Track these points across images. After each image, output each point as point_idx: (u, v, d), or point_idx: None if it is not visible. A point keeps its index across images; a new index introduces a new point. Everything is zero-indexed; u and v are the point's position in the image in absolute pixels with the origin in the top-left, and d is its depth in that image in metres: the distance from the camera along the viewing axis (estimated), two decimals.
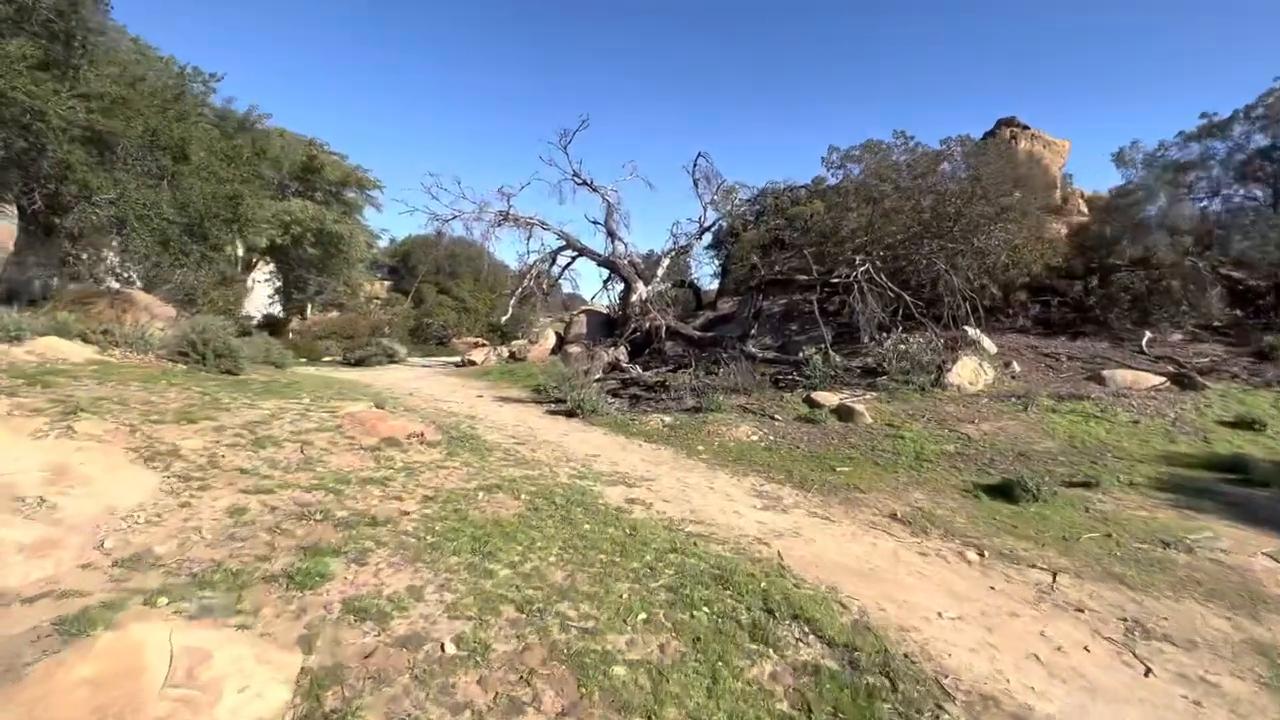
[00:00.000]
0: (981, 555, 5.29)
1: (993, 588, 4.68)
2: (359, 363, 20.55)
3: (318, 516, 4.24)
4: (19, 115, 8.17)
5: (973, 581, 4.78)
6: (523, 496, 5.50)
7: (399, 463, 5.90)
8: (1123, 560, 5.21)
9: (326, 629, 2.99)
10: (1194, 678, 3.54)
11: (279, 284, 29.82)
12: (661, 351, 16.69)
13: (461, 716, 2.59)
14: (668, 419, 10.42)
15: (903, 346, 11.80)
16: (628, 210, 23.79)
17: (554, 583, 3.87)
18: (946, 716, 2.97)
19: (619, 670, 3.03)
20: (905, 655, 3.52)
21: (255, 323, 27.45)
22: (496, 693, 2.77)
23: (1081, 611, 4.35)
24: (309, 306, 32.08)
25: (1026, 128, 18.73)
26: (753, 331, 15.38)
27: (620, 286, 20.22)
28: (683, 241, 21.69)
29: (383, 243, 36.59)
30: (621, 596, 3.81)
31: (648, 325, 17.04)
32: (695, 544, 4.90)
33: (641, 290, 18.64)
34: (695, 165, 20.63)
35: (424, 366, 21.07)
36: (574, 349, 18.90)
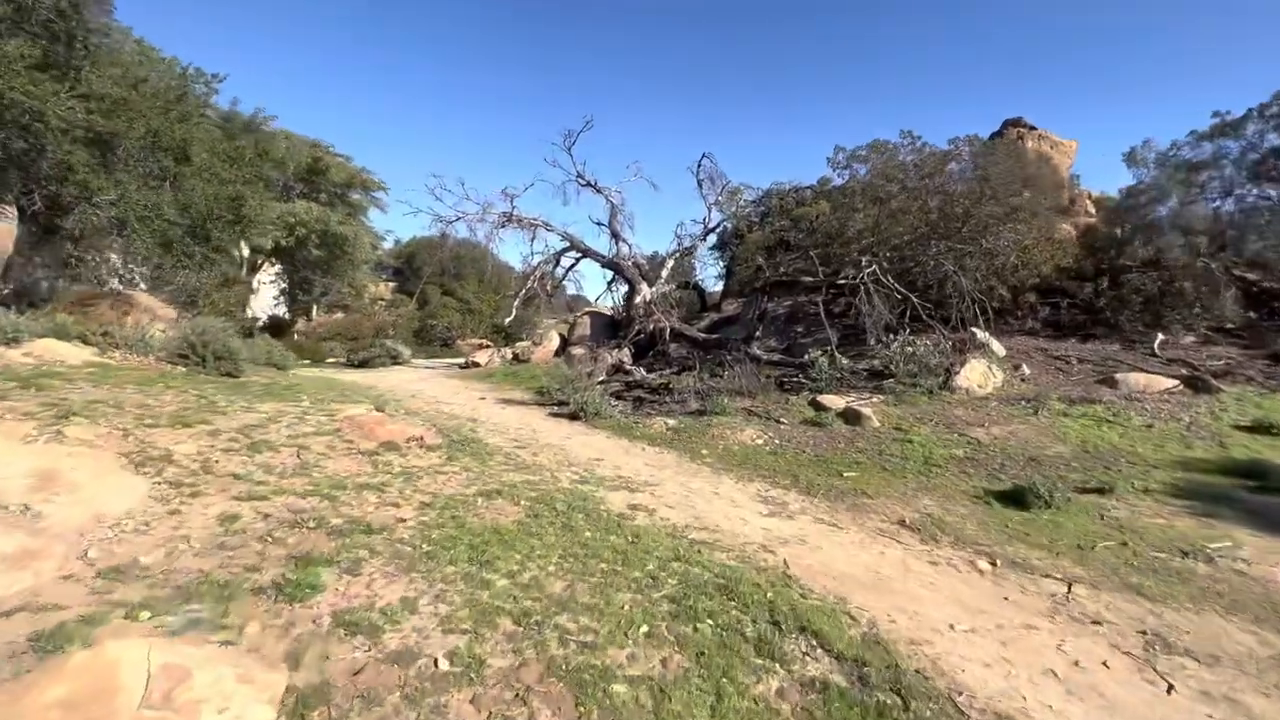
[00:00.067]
0: (994, 564, 5.14)
1: (1006, 599, 4.53)
2: (363, 364, 20.50)
3: (311, 524, 4.13)
4: (18, 116, 8.13)
5: (985, 592, 4.64)
6: (523, 503, 5.38)
7: (397, 468, 5.79)
8: (1140, 570, 5.05)
9: (315, 644, 2.88)
10: (1218, 696, 3.39)
11: (284, 285, 29.89)
12: (665, 353, 16.56)
13: None
14: (671, 422, 10.29)
15: (910, 349, 11.63)
16: (632, 211, 23.82)
17: (553, 594, 3.75)
18: None
19: (619, 688, 2.90)
20: (917, 671, 3.39)
21: (261, 324, 27.50)
22: (490, 712, 2.65)
23: (1099, 624, 4.21)
24: (314, 308, 32.13)
25: (1033, 128, 18.54)
26: (757, 333, 15.23)
27: (624, 288, 20.12)
28: (687, 243, 21.61)
29: (387, 244, 36.69)
30: (623, 608, 3.69)
31: (652, 327, 16.92)
32: (699, 552, 4.78)
33: (645, 292, 18.52)
34: (700, 166, 20.53)
35: (428, 368, 21.00)
36: (578, 351, 18.80)
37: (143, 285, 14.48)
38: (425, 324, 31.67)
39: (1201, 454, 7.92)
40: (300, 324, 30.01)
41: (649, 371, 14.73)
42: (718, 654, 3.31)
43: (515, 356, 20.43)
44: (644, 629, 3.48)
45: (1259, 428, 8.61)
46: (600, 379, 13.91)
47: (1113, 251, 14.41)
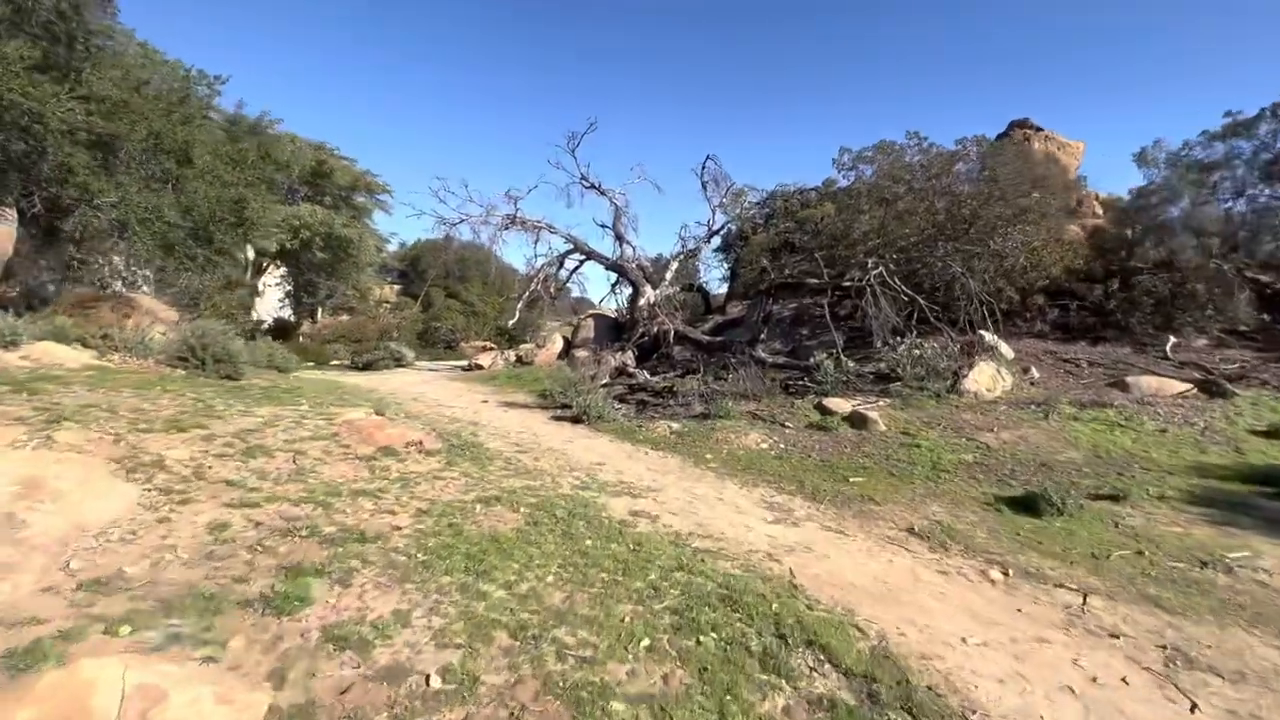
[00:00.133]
0: (1006, 574, 5.00)
1: (1019, 610, 4.39)
2: (366, 367, 20.45)
3: (303, 532, 4.03)
4: (18, 118, 8.09)
5: (998, 603, 4.49)
6: (522, 509, 5.26)
7: (395, 473, 5.69)
8: (1158, 581, 4.89)
9: (301, 661, 2.76)
10: (1245, 715, 3.25)
11: (289, 288, 29.92)
12: (669, 356, 16.44)
13: None
14: (675, 426, 10.16)
15: (917, 351, 11.48)
16: (636, 213, 23.63)
17: (551, 605, 3.63)
18: None
19: (618, 706, 2.78)
20: (928, 687, 3.26)
21: (266, 327, 27.52)
22: None
23: (1116, 638, 4.06)
24: (319, 310, 32.16)
25: (1040, 129, 18.37)
26: (762, 336, 15.09)
27: (628, 290, 20.01)
28: (691, 245, 21.49)
29: (392, 247, 36.70)
30: (623, 620, 3.57)
31: (655, 329, 16.80)
32: (702, 561, 4.65)
33: (649, 294, 18.41)
34: (704, 168, 20.41)
35: (431, 371, 20.93)
36: (581, 353, 18.70)
37: (145, 288, 14.47)
38: (429, 326, 31.66)
39: (1217, 459, 7.74)
40: (305, 326, 30.03)
41: (653, 374, 14.61)
42: (721, 669, 3.18)
43: (519, 359, 20.35)
44: (645, 642, 3.36)
45: (1275, 432, 8.42)
46: (603, 382, 13.80)
47: (1123, 253, 14.22)
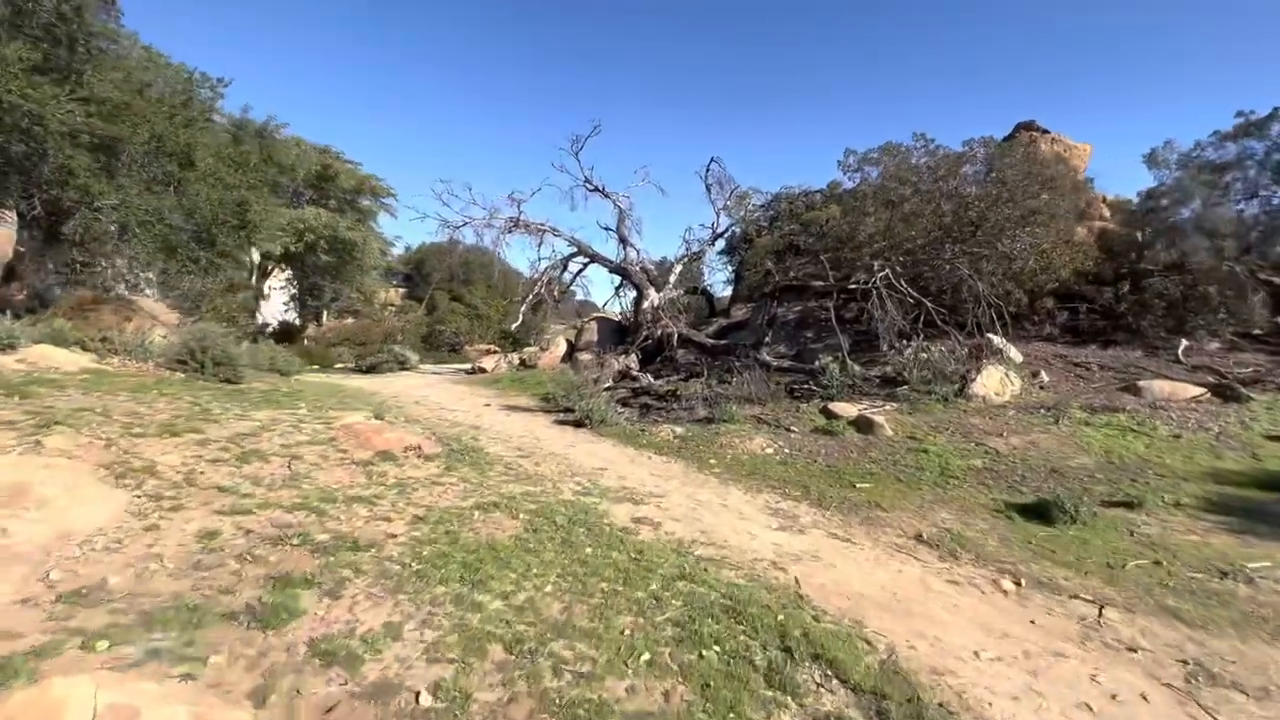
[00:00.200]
0: (1018, 584, 4.85)
1: (1033, 622, 4.24)
2: (370, 370, 20.43)
3: (295, 540, 3.91)
4: (18, 120, 8.05)
5: (1011, 614, 4.35)
6: (521, 516, 5.15)
7: (392, 479, 5.58)
8: (1176, 592, 4.74)
9: (286, 677, 2.65)
10: None
11: (294, 291, 30.00)
12: (673, 359, 16.32)
13: None
14: (679, 430, 10.04)
15: (924, 355, 11.31)
16: (640, 216, 23.56)
17: (549, 617, 3.51)
18: None
19: None
20: (940, 705, 3.13)
21: (271, 329, 27.58)
22: None
23: (1135, 652, 3.91)
24: (324, 313, 32.21)
25: (1046, 131, 18.16)
26: (767, 339, 14.95)
27: (632, 293, 19.91)
28: (695, 248, 21.38)
29: (397, 250, 36.77)
30: (623, 633, 3.45)
31: (659, 332, 16.68)
32: (706, 569, 4.53)
33: (653, 297, 18.30)
34: (708, 170, 20.32)
35: (435, 374, 20.89)
36: (584, 356, 18.61)
37: (149, 291, 14.45)
38: (434, 329, 31.66)
39: (1233, 466, 7.55)
40: (310, 329, 30.09)
41: (656, 378, 14.49)
42: (725, 685, 3.06)
43: (522, 362, 20.29)
44: (645, 657, 3.24)
45: None
46: (606, 385, 13.69)
47: (1133, 255, 14.02)
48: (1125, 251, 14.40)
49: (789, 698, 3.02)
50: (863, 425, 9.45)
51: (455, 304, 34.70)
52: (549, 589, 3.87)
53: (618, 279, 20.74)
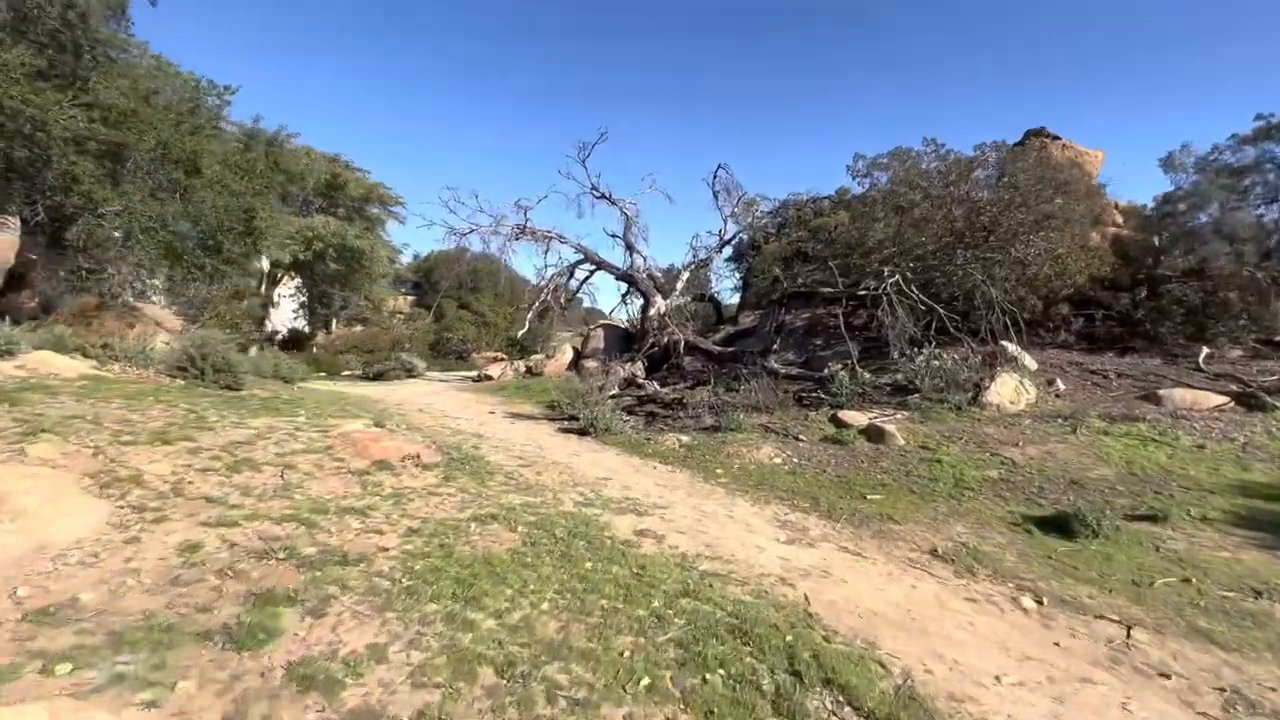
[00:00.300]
0: (1040, 603, 4.63)
1: (1057, 644, 4.02)
2: (377, 377, 20.41)
3: (281, 554, 3.75)
4: (21, 125, 8.03)
5: (1033, 635, 4.13)
6: (520, 528, 4.97)
7: (388, 489, 5.41)
8: (1208, 612, 4.49)
9: (259, 704, 2.47)
10: None
11: (304, 299, 30.11)
12: (680, 367, 16.13)
13: None
14: (685, 439, 9.85)
15: (936, 362, 11.07)
16: (646, 223, 23.45)
17: (544, 637, 3.33)
18: None
19: None
20: None
21: (280, 337, 27.66)
22: None
23: (1168, 677, 3.68)
24: (334, 321, 32.31)
25: (1057, 138, 17.89)
26: (775, 346, 14.73)
27: (639, 301, 19.75)
28: (702, 255, 21.21)
29: (405, 258, 36.87)
30: (622, 654, 3.26)
31: (666, 340, 16.50)
32: (710, 585, 4.33)
33: (660, 304, 18.14)
34: (715, 177, 20.15)
35: (441, 381, 20.82)
36: (590, 364, 18.46)
37: (156, 297, 14.46)
38: (441, 337, 31.67)
39: (1262, 478, 7.26)
40: (320, 337, 30.19)
41: (663, 385, 14.30)
42: (730, 713, 2.88)
43: (528, 370, 20.16)
44: (645, 681, 3.05)
45: None
46: (612, 393, 13.51)
47: (1149, 260, 13.72)
48: (1141, 257, 14.09)
49: None
50: (873, 434, 9.22)
51: (463, 311, 34.72)
52: (546, 606, 3.68)
53: (624, 286, 20.60)
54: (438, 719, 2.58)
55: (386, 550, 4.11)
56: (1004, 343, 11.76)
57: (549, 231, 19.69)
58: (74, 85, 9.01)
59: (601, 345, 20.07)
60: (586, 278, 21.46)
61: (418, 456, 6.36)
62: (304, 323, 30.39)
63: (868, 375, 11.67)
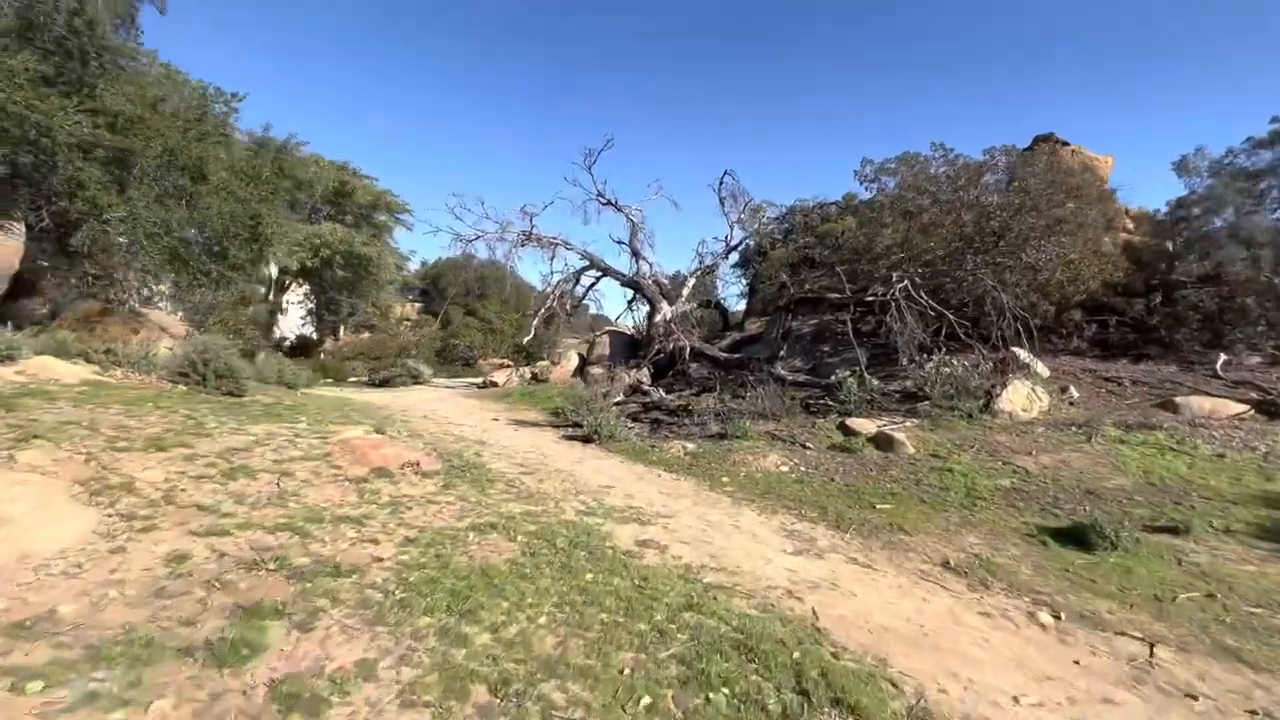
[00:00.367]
0: (1057, 617, 4.45)
1: (1076, 662, 3.85)
2: (383, 383, 20.38)
3: (271, 565, 3.64)
4: (26, 131, 8.05)
5: (1050, 652, 3.95)
6: (519, 538, 4.85)
7: (385, 497, 5.31)
8: (1235, 629, 4.30)
9: None
10: None
11: (311, 306, 30.22)
12: (686, 373, 16.00)
13: None
14: (690, 446, 9.70)
15: (946, 369, 10.89)
16: (653, 230, 23.23)
17: (541, 653, 3.20)
18: None
19: None
20: None
21: (289, 343, 27.74)
22: None
23: (1195, 699, 3.50)
24: (341, 328, 32.41)
25: (1066, 144, 17.74)
26: (782, 353, 14.60)
27: (645, 307, 19.67)
28: (708, 261, 21.09)
29: (413, 265, 36.98)
30: (622, 672, 3.13)
31: (672, 346, 16.39)
32: (715, 598, 4.19)
33: (666, 310, 18.04)
34: (721, 183, 20.07)
35: (447, 388, 20.77)
36: (595, 370, 18.37)
37: (162, 303, 14.49)
38: (448, 344, 31.68)
39: None
40: (328, 343, 30.26)
41: (668, 392, 14.18)
42: None
43: (534, 376, 20.09)
44: (646, 700, 2.91)
45: None
46: (617, 400, 13.39)
47: (1163, 266, 13.50)
48: (1154, 262, 13.89)
49: None
50: (882, 442, 9.04)
51: (469, 318, 34.78)
52: (543, 620, 3.56)
53: (630, 293, 20.53)
54: None
55: (381, 561, 4.00)
56: (1015, 349, 11.56)
57: (555, 238, 19.66)
58: (80, 91, 9.05)
59: (607, 352, 19.98)
60: (592, 284, 21.41)
61: (417, 464, 6.26)
62: (312, 329, 30.48)
63: (876, 382, 11.50)
